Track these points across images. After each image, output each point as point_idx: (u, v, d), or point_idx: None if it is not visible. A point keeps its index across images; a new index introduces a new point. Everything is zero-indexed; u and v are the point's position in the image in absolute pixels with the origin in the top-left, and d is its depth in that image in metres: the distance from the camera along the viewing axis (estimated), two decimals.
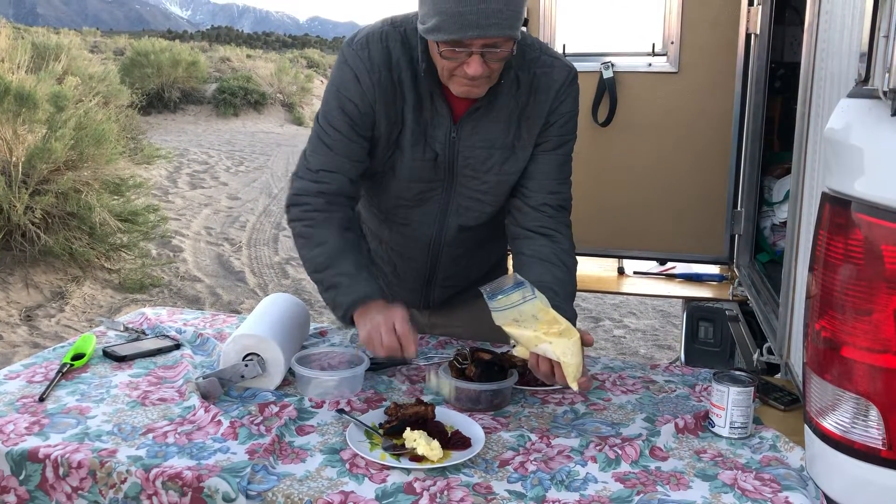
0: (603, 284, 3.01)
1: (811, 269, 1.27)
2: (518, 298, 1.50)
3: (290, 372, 1.62)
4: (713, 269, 2.97)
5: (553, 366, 1.47)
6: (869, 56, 1.18)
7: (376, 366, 1.71)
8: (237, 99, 19.87)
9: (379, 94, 1.62)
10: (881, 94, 1.11)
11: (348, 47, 1.65)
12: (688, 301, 2.82)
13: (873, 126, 1.14)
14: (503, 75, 1.61)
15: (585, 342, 1.50)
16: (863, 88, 1.18)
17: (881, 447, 1.17)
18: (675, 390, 1.67)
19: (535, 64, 1.67)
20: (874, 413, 1.17)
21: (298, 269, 6.52)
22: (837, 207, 1.19)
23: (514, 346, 1.54)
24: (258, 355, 1.58)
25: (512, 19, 1.45)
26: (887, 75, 1.08)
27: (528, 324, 1.49)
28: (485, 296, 1.52)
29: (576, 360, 1.45)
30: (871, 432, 1.17)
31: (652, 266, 3.06)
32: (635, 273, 3.07)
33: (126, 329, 1.90)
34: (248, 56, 29.78)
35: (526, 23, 2.68)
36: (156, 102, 18.25)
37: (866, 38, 1.18)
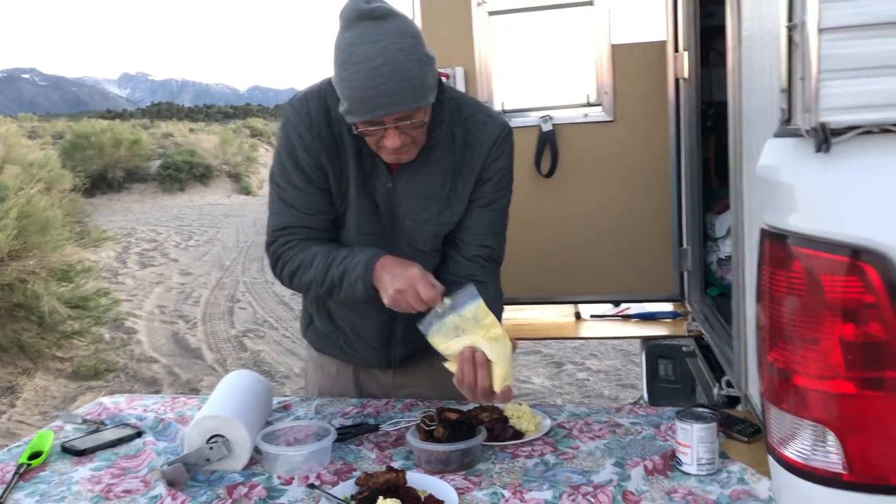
0: (562, 331, 3.04)
1: (758, 302, 1.31)
2: (459, 303, 1.58)
3: (257, 450, 1.60)
4: (667, 307, 3.03)
5: (476, 374, 1.53)
6: (789, 97, 1.24)
7: (343, 435, 1.70)
8: (182, 174, 19.79)
9: (322, 148, 1.69)
10: (804, 133, 1.17)
11: (290, 107, 1.73)
12: (645, 340, 2.86)
13: (800, 163, 1.19)
14: (437, 131, 1.68)
15: (512, 346, 1.59)
16: (787, 128, 1.24)
17: (842, 471, 1.19)
18: (641, 432, 1.69)
19: (470, 121, 1.73)
20: (832, 438, 1.20)
21: (256, 341, 6.44)
22: (776, 242, 1.23)
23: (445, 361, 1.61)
24: (223, 436, 1.55)
25: (415, 92, 1.51)
26: (807, 115, 1.14)
27: (468, 328, 1.56)
28: (421, 328, 1.59)
29: (505, 366, 1.53)
30: (831, 457, 1.20)
31: (608, 308, 3.11)
32: (592, 317, 3.11)
33: (84, 421, 1.86)
34: (191, 130, 29.76)
35: (443, 82, 2.75)
36: (99, 184, 18.06)
37: (785, 80, 1.25)
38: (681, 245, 2.61)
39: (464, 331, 1.56)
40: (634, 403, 2.46)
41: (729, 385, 1.86)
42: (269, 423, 1.75)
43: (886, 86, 1.11)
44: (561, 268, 2.77)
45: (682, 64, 2.45)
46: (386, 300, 1.62)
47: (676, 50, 2.51)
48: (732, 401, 1.93)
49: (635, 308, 3.05)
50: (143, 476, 1.55)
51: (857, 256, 1.14)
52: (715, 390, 1.99)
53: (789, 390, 1.24)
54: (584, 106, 2.68)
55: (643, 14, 2.58)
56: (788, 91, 1.25)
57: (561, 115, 2.69)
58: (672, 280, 2.65)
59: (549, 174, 2.70)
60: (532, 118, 2.69)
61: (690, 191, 2.45)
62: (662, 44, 2.56)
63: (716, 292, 2.49)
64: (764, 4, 1.44)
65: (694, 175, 2.42)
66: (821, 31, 1.11)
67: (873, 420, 1.17)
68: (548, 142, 2.67)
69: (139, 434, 1.77)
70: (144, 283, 9.02)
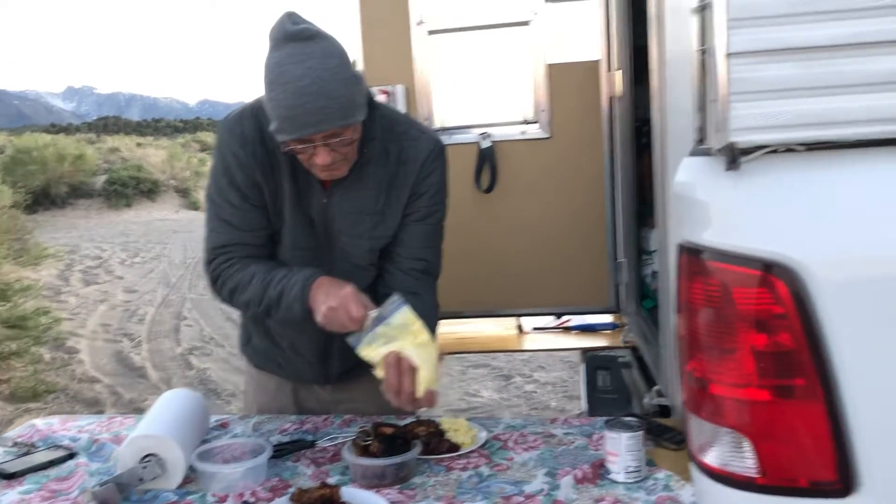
0: (504, 343, 3.09)
1: (677, 314, 1.36)
2: (387, 312, 1.61)
3: (193, 468, 1.59)
4: (607, 319, 3.10)
5: (401, 379, 1.58)
6: (702, 118, 1.30)
7: (280, 452, 1.70)
8: (129, 189, 19.43)
9: (257, 166, 1.70)
10: (715, 152, 1.23)
11: (223, 125, 1.75)
12: (585, 351, 2.92)
13: (713, 181, 1.25)
14: (370, 146, 1.72)
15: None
16: (700, 147, 1.30)
17: (756, 475, 1.25)
18: (574, 442, 1.72)
19: (404, 137, 1.77)
20: (746, 444, 1.25)
21: (202, 360, 6.36)
22: (692, 256, 1.29)
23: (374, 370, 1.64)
24: (156, 455, 1.55)
25: (341, 111, 1.55)
26: (718, 135, 1.20)
27: (397, 335, 1.60)
28: (351, 341, 1.63)
29: (429, 371, 1.58)
30: (747, 462, 1.26)
31: (549, 321, 3.17)
32: (534, 329, 3.17)
33: (15, 444, 1.82)
34: (139, 144, 29.24)
35: (375, 100, 2.78)
36: (42, 199, 17.62)
37: (699, 101, 1.31)
38: (616, 258, 2.68)
39: (392, 339, 1.60)
40: (580, 414, 2.50)
41: (660, 395, 1.92)
42: (205, 442, 1.74)
43: (790, 107, 1.18)
44: (503, 281, 2.81)
45: (615, 83, 2.52)
46: (319, 318, 1.64)
47: (610, 69, 2.59)
48: (665, 410, 1.99)
49: (576, 320, 3.12)
50: (74, 498, 1.54)
51: (767, 269, 1.20)
52: (646, 400, 2.05)
53: (706, 399, 1.29)
54: (521, 123, 2.74)
55: (578, 34, 2.66)
56: (702, 112, 1.31)
57: (499, 132, 2.75)
58: (609, 292, 2.72)
59: (489, 190, 2.75)
60: (471, 135, 2.74)
61: (625, 206, 2.52)
62: (596, 63, 2.64)
63: (651, 304, 2.56)
64: (681, 28, 1.50)
65: (628, 190, 2.49)
66: (728, 55, 1.17)
67: (784, 425, 1.23)
68: (487, 158, 2.72)
69: (71, 455, 1.75)
70: (88, 301, 8.82)
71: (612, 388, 2.48)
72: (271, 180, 1.72)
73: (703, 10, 1.24)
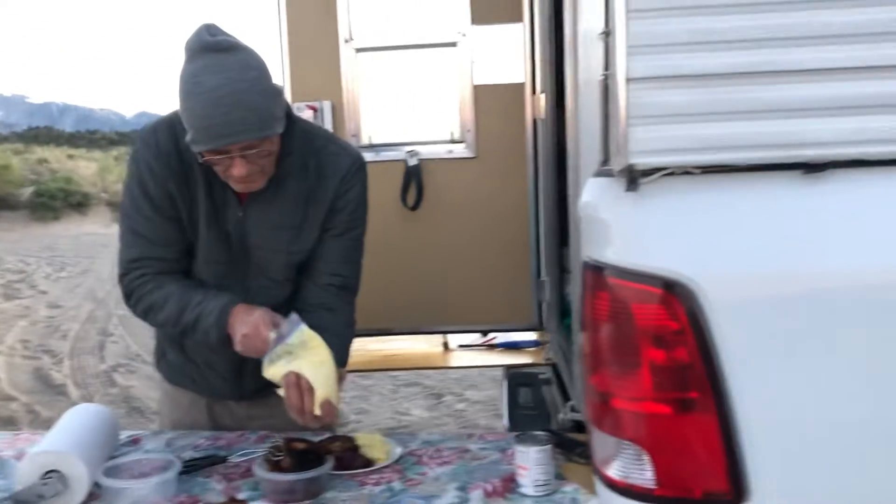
0: (429, 361, 3.11)
1: (581, 330, 1.40)
2: (285, 332, 1.63)
3: (98, 485, 1.56)
4: (531, 336, 3.14)
5: (302, 398, 1.61)
6: (605, 140, 1.35)
7: (192, 468, 1.68)
8: (57, 202, 18.89)
9: (171, 178, 1.69)
10: (616, 173, 1.27)
11: (139, 137, 1.73)
12: (508, 369, 2.96)
13: (614, 201, 1.29)
14: (288, 161, 1.72)
15: (340, 377, 1.67)
16: (603, 168, 1.35)
17: (654, 486, 1.29)
18: (488, 457, 1.74)
19: (323, 152, 1.78)
20: (645, 456, 1.29)
21: (127, 377, 6.20)
22: (595, 274, 1.32)
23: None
24: (59, 472, 1.51)
25: (260, 122, 1.55)
26: (618, 157, 1.24)
27: (297, 353, 1.62)
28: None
29: (323, 390, 1.61)
30: (646, 474, 1.29)
31: (475, 338, 3.20)
32: (460, 346, 3.19)
33: None
34: (70, 156, 28.43)
35: (294, 114, 2.79)
36: None
37: (602, 124, 1.36)
38: (539, 277, 2.73)
39: (292, 357, 1.62)
40: (489, 432, 2.53)
41: (574, 410, 1.96)
42: (115, 458, 1.71)
43: (686, 131, 1.22)
44: (428, 299, 2.84)
45: (539, 105, 2.58)
46: (237, 347, 1.66)
47: (534, 92, 2.65)
48: (579, 425, 2.02)
49: (501, 337, 3.15)
50: None
51: (664, 287, 1.24)
52: (561, 415, 2.09)
53: (608, 413, 1.33)
54: (448, 142, 2.78)
55: (504, 56, 2.71)
56: (605, 134, 1.35)
57: (426, 151, 2.78)
58: (532, 310, 2.76)
59: (415, 207, 2.78)
60: (399, 153, 2.77)
61: (547, 225, 2.57)
62: (521, 86, 2.70)
63: (570, 321, 2.61)
64: (592, 53, 1.55)
65: (550, 210, 2.54)
66: (628, 80, 1.22)
67: (679, 438, 1.27)
68: (413, 176, 2.75)
69: None
70: (7, 316, 8.51)
71: (533, 404, 2.51)
72: (186, 193, 1.71)
73: (607, 36, 1.29)
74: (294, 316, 1.64)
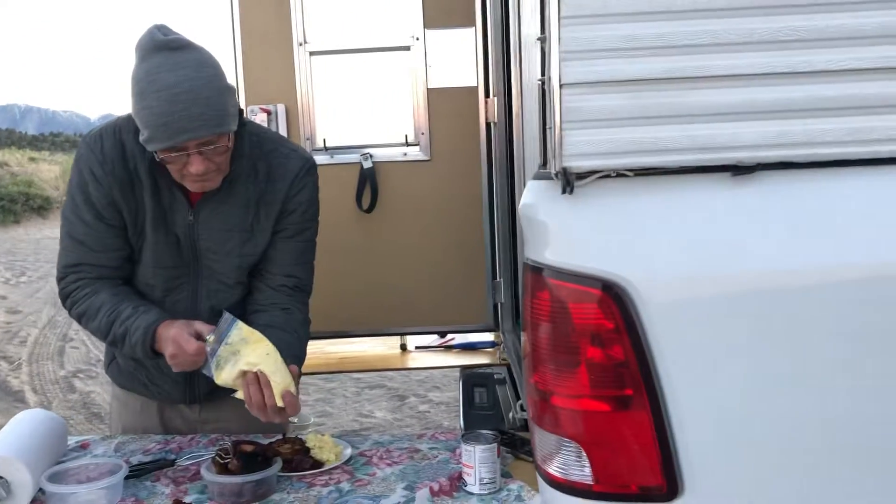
0: (387, 362, 3.12)
1: (523, 329, 1.42)
2: (223, 333, 1.62)
3: (42, 490, 1.55)
4: (487, 337, 3.17)
5: (262, 393, 1.60)
6: (543, 143, 1.37)
7: (140, 471, 1.68)
8: (17, 205, 18.54)
9: (115, 184, 1.68)
10: (553, 176, 1.30)
11: (83, 143, 1.72)
12: (464, 369, 2.98)
13: (551, 203, 1.32)
14: (238, 163, 1.72)
15: (292, 372, 1.65)
16: (542, 171, 1.37)
17: (592, 483, 1.31)
18: (437, 456, 1.76)
19: (273, 155, 1.79)
20: (583, 453, 1.32)
21: (87, 382, 6.12)
22: (534, 274, 1.35)
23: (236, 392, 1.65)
24: (1, 478, 1.50)
25: (217, 118, 1.56)
26: (554, 160, 1.27)
27: (240, 350, 1.61)
28: (206, 372, 1.64)
29: (281, 376, 1.61)
30: (585, 471, 1.32)
31: (433, 339, 3.22)
32: (417, 348, 3.21)
33: None
34: (31, 159, 27.91)
35: (244, 116, 2.79)
36: None
37: (539, 128, 1.38)
38: (494, 278, 2.76)
39: (237, 355, 1.62)
40: (437, 431, 2.55)
41: (523, 409, 1.98)
42: (61, 463, 1.70)
43: (618, 135, 1.26)
44: (385, 300, 2.85)
45: (492, 109, 2.61)
46: (171, 365, 1.66)
47: (487, 95, 2.68)
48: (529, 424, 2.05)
49: (458, 339, 3.18)
50: None
51: (601, 287, 1.27)
52: (511, 414, 2.11)
53: (548, 410, 1.35)
54: (402, 145, 2.79)
55: (457, 61, 2.74)
56: (543, 138, 1.38)
57: (381, 154, 2.79)
58: (487, 311, 2.79)
59: (370, 210, 2.79)
60: (353, 155, 2.78)
61: (501, 228, 2.60)
62: (475, 89, 2.73)
63: None
64: (533, 60, 1.58)
65: (504, 212, 2.57)
66: (562, 85, 1.24)
67: (615, 434, 1.30)
68: (368, 178, 2.76)
69: None
70: None
71: (488, 404, 2.53)
72: (131, 199, 1.70)
73: (543, 41, 1.31)
74: (226, 314, 1.64)
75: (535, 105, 1.56)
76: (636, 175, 1.29)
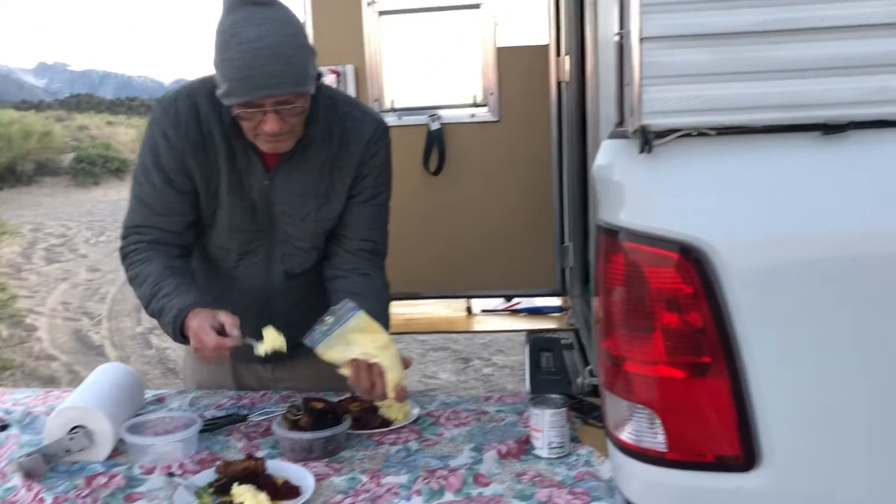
0: (452, 325, 3.12)
1: (595, 294, 1.39)
2: (342, 317, 1.61)
3: (123, 441, 1.60)
4: (555, 302, 3.14)
5: (373, 381, 1.58)
6: (620, 101, 1.33)
7: (213, 426, 1.72)
8: (97, 167, 19.15)
9: (189, 148, 1.68)
10: (631, 134, 1.25)
11: (158, 106, 1.72)
12: (530, 333, 2.96)
13: (628, 163, 1.28)
14: (314, 128, 1.70)
15: (405, 363, 1.63)
16: (618, 130, 1.33)
17: (665, 450, 1.29)
18: (504, 419, 1.76)
19: (346, 118, 1.77)
20: (657, 420, 1.29)
21: (163, 339, 6.32)
22: (608, 237, 1.32)
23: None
24: (84, 427, 1.56)
25: (298, 77, 1.54)
26: (632, 118, 1.22)
27: (355, 339, 1.59)
28: (307, 342, 1.61)
29: (395, 373, 1.59)
30: (658, 438, 1.29)
31: (499, 303, 3.20)
32: (483, 311, 3.20)
33: None
34: (109, 123, 28.80)
35: (319, 76, 2.78)
36: (8, 176, 17.34)
37: (617, 85, 1.33)
38: (563, 242, 2.71)
39: (351, 343, 1.60)
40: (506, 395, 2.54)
41: (592, 374, 1.96)
42: (139, 415, 1.75)
43: (701, 92, 1.20)
44: (451, 263, 2.84)
45: (563, 68, 2.54)
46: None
47: (558, 54, 2.61)
48: (597, 389, 2.02)
49: (525, 303, 3.16)
50: (1, 468, 1.54)
51: (678, 250, 1.23)
52: (580, 379, 2.09)
53: (621, 376, 1.33)
54: (470, 106, 2.75)
55: (527, 18, 2.67)
56: (620, 95, 1.33)
57: (448, 115, 2.76)
58: (555, 276, 2.75)
59: (437, 172, 2.77)
60: (420, 117, 2.75)
61: (571, 190, 2.54)
62: (545, 48, 2.66)
63: None
64: (609, 14, 1.52)
65: (574, 175, 2.52)
66: (642, 39, 1.20)
67: (691, 402, 1.27)
68: (435, 140, 2.73)
69: (4, 427, 1.75)
70: (49, 279, 8.72)
71: (554, 369, 2.51)
72: (205, 163, 1.70)
73: None
74: (350, 303, 1.63)
75: (611, 62, 1.51)
76: (718, 134, 1.24)
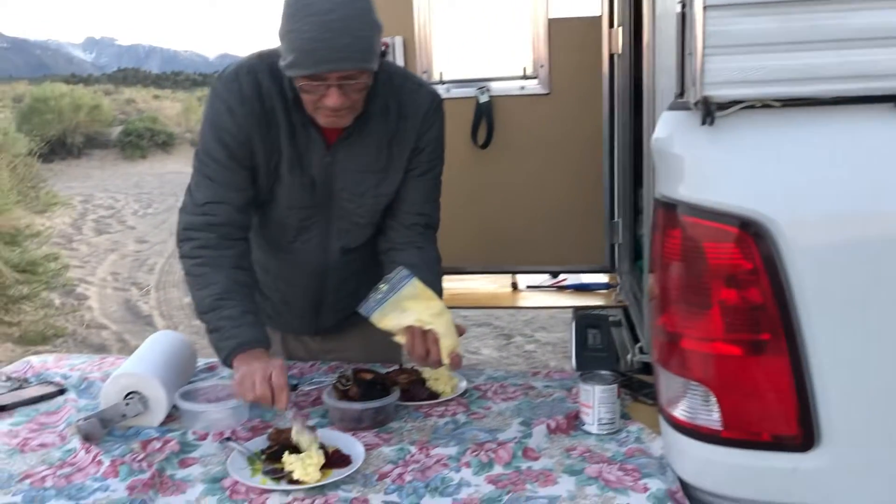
0: (497, 300, 3.11)
1: (651, 270, 1.37)
2: (396, 284, 1.63)
3: (177, 408, 1.63)
4: (602, 278, 3.10)
5: (428, 348, 1.59)
6: (681, 72, 1.29)
7: None
8: (144, 141, 19.46)
9: (252, 125, 1.67)
10: (692, 106, 1.22)
11: (219, 81, 1.70)
12: (576, 310, 2.93)
13: (689, 135, 1.25)
14: (372, 103, 1.68)
15: (460, 332, 1.64)
16: (678, 101, 1.30)
17: (720, 428, 1.27)
18: (552, 394, 1.75)
19: (402, 91, 1.75)
20: (712, 398, 1.27)
21: None
22: (666, 211, 1.29)
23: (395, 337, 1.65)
24: (139, 393, 1.59)
25: (364, 52, 1.52)
26: (694, 89, 1.19)
27: (410, 306, 1.61)
28: (363, 311, 1.63)
29: (450, 339, 1.60)
30: (713, 415, 1.27)
31: (544, 279, 3.18)
32: (528, 287, 3.18)
33: (8, 379, 1.87)
34: (155, 97, 29.23)
35: (383, 53, 2.77)
36: (58, 149, 17.70)
37: (678, 55, 1.30)
38: (612, 217, 2.67)
39: (406, 310, 1.61)
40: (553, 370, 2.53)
41: (642, 351, 1.93)
42: (191, 383, 1.78)
43: (766, 62, 1.17)
44: (497, 238, 2.82)
45: (616, 40, 2.49)
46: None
47: (611, 26, 2.56)
48: (647, 367, 2.00)
49: (571, 279, 3.13)
50: (60, 431, 1.58)
51: (739, 225, 1.20)
52: (629, 356, 2.07)
53: (676, 353, 1.31)
54: (520, 78, 2.71)
55: None
56: (681, 66, 1.30)
57: (498, 87, 2.72)
58: (604, 252, 2.72)
59: (485, 145, 2.74)
60: (469, 89, 2.72)
61: (622, 165, 2.50)
62: (598, 19, 2.61)
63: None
64: None
65: (626, 149, 2.47)
66: (706, 7, 1.16)
67: (749, 380, 1.24)
68: (484, 113, 2.70)
69: (62, 392, 1.79)
70: (99, 249, 8.92)
71: (601, 346, 2.49)
72: (267, 139, 1.69)
73: None
74: (403, 270, 1.64)
75: (669, 33, 1.47)
76: (783, 106, 1.21)
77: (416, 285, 1.62)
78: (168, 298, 6.83)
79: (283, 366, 1.57)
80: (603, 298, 2.97)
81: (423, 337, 1.59)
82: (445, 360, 1.59)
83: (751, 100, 1.19)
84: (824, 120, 1.20)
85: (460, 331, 1.64)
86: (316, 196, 1.77)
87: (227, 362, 1.63)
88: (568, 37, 2.65)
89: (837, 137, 1.20)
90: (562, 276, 3.14)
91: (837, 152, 1.20)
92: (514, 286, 3.19)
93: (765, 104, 1.21)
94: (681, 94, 1.31)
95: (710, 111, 1.19)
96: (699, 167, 1.25)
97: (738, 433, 1.27)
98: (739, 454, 1.27)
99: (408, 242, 1.82)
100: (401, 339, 1.63)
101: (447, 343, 1.59)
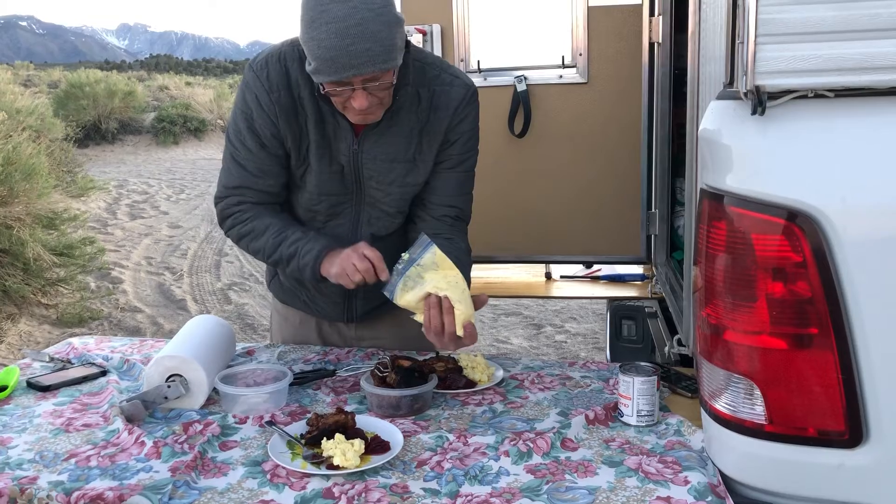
0: (531, 290, 3.09)
1: (695, 262, 1.35)
2: (416, 251, 1.66)
3: (216, 390, 1.65)
4: (637, 270, 3.08)
5: (442, 320, 1.60)
6: (731, 60, 1.27)
7: (302, 380, 1.75)
8: (176, 127, 19.64)
9: (280, 112, 1.70)
10: (742, 96, 1.20)
11: (249, 69, 1.72)
12: (611, 301, 2.91)
13: (738, 125, 1.23)
14: (402, 92, 1.69)
15: (481, 301, 1.67)
16: (728, 90, 1.27)
17: (764, 422, 1.25)
18: (590, 385, 1.74)
19: (436, 82, 1.75)
20: (757, 391, 1.25)
21: (241, 295, 6.50)
22: (713, 202, 1.27)
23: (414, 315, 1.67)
24: (180, 376, 1.61)
25: (385, 54, 1.52)
26: (744, 78, 1.17)
27: (428, 275, 1.63)
28: (387, 293, 1.66)
29: (466, 306, 1.61)
30: (756, 409, 1.26)
31: (578, 270, 3.16)
32: (562, 277, 3.16)
33: (52, 359, 1.91)
34: (188, 83, 29.49)
35: (410, 43, 2.75)
36: (93, 134, 17.95)
37: (728, 43, 1.28)
38: (649, 208, 2.65)
39: (422, 279, 1.63)
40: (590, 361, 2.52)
41: (680, 344, 1.92)
42: (230, 366, 1.80)
43: (820, 51, 1.15)
44: (532, 227, 2.80)
45: (656, 28, 2.46)
46: (333, 280, 1.70)
47: (652, 14, 2.52)
48: (685, 359, 1.99)
49: (605, 270, 3.10)
50: (103, 412, 1.61)
51: (787, 217, 1.19)
52: (666, 348, 2.05)
53: (720, 345, 1.29)
54: (558, 67, 2.69)
55: None
56: (731, 54, 1.28)
57: (535, 76, 2.70)
58: (639, 243, 2.69)
59: (522, 134, 2.72)
60: (507, 78, 2.70)
61: (660, 155, 2.47)
62: (638, 7, 2.57)
63: (681, 256, 2.53)
64: None
65: (664, 140, 2.44)
66: None
67: (795, 374, 1.23)
68: (521, 102, 2.68)
69: (104, 373, 1.82)
70: (133, 234, 9.04)
71: (636, 337, 2.47)
72: (295, 126, 1.71)
73: None
74: (424, 236, 1.65)
75: (716, 21, 1.45)
76: (837, 96, 1.18)
77: (435, 252, 1.64)
78: (200, 283, 6.91)
79: (366, 243, 1.69)
80: (637, 290, 2.95)
81: (438, 307, 1.60)
82: (460, 331, 1.60)
83: (803, 89, 1.17)
84: (878, 111, 1.18)
85: (481, 300, 1.66)
86: (345, 184, 1.78)
87: (316, 273, 1.71)
88: (607, 25, 2.61)
89: (891, 129, 1.18)
90: (596, 267, 3.12)
91: (891, 144, 1.17)
92: (548, 276, 3.18)
93: (817, 94, 1.18)
94: (730, 83, 1.29)
95: (761, 101, 1.17)
96: (748, 157, 1.23)
97: (782, 428, 1.25)
98: (783, 449, 1.25)
99: (437, 234, 1.82)
100: (419, 317, 1.64)
101: (461, 310, 1.60)
